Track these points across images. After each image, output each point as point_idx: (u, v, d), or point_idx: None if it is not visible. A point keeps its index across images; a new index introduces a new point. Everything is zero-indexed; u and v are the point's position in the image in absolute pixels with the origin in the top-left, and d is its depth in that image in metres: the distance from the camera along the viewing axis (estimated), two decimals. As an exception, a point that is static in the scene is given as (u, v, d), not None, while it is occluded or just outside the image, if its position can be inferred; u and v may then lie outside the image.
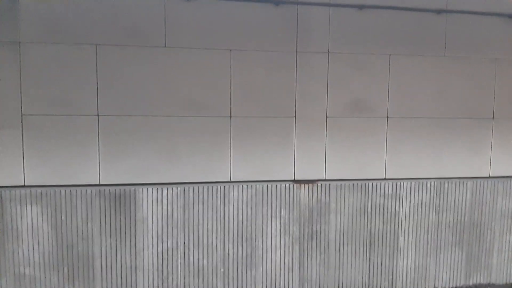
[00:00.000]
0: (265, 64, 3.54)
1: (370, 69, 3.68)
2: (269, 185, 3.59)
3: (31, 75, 3.28)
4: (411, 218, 3.84)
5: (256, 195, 3.56)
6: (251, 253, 3.57)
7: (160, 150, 3.46)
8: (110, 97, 3.37)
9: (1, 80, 3.25)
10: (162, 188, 3.46)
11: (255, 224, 3.57)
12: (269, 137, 3.59)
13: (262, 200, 3.57)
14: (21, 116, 3.30)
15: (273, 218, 3.59)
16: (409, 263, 3.86)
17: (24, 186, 3.31)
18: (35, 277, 3.34)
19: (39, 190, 3.31)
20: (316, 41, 3.60)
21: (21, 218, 3.29)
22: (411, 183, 3.82)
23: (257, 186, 3.57)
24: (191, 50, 3.43)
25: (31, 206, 3.30)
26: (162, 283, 3.47)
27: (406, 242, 3.85)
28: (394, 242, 3.82)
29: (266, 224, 3.58)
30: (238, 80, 3.52)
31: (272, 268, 3.61)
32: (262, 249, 3.58)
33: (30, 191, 3.30)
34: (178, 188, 3.48)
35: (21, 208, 3.29)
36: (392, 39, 3.70)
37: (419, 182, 3.83)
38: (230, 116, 3.54)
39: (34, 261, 3.33)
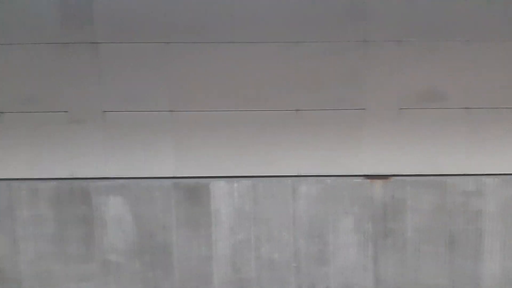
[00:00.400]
0: (332, 55, 3.47)
1: (446, 57, 3.46)
2: (340, 180, 3.55)
3: (109, 74, 3.52)
4: (497, 217, 3.60)
5: (326, 190, 3.55)
6: (323, 249, 3.58)
7: (229, 143, 3.57)
8: (181, 93, 3.53)
9: (83, 80, 3.53)
10: (232, 181, 3.58)
11: (326, 220, 3.56)
12: (338, 131, 3.55)
13: (333, 195, 3.55)
14: (102, 112, 3.57)
15: (344, 214, 3.56)
16: (495, 266, 3.64)
17: (107, 178, 3.60)
18: (119, 263, 3.66)
19: (121, 181, 3.59)
20: (386, 29, 3.45)
21: (106, 207, 3.60)
22: (495, 179, 3.57)
23: (327, 180, 3.56)
24: (256, 44, 3.47)
25: (115, 196, 3.59)
26: (235, 274, 3.62)
27: (492, 243, 3.62)
28: (478, 243, 3.62)
29: (338, 220, 3.56)
30: (304, 73, 3.49)
31: (345, 265, 3.60)
32: (334, 245, 3.58)
33: (114, 182, 3.59)
34: (248, 182, 3.58)
35: (105, 198, 3.60)
36: (469, 24, 3.44)
37: (505, 178, 3.57)
38: (297, 110, 3.54)
39: (118, 248, 3.64)
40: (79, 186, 3.59)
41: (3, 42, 3.49)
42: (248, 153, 3.57)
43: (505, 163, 3.57)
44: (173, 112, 3.57)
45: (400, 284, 3.64)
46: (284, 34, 3.46)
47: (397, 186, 3.55)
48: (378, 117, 3.53)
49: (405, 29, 3.45)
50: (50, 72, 3.53)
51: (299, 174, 3.57)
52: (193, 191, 3.59)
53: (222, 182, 3.58)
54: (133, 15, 3.47)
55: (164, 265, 3.65)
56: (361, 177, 3.55)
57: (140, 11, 3.46)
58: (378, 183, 3.54)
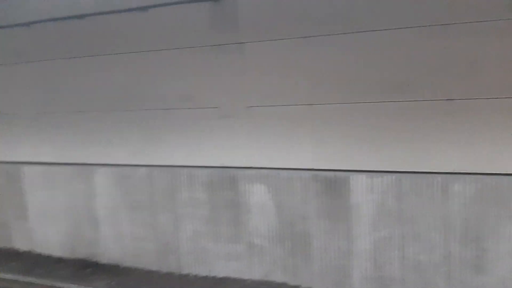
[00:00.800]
0: (488, 35, 3.05)
1: None
2: (503, 179, 3.15)
3: (253, 71, 3.80)
4: None
5: (485, 190, 3.19)
6: (479, 255, 3.23)
7: (371, 136, 3.49)
8: (319, 86, 3.59)
9: (229, 78, 3.90)
10: (374, 176, 3.50)
11: (485, 224, 3.19)
12: (499, 122, 3.13)
13: (494, 196, 3.16)
14: (247, 107, 3.90)
15: (509, 219, 3.15)
16: None
17: (252, 167, 3.93)
18: (263, 247, 3.97)
19: (264, 171, 3.87)
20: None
21: (251, 194, 3.94)
22: None
23: (487, 179, 3.19)
24: (400, 29, 3.29)
25: (259, 185, 3.90)
26: (377, 272, 3.55)
27: None
28: None
29: (500, 224, 3.15)
30: (457, 57, 3.16)
31: (508, 276, 3.19)
32: (495, 253, 3.19)
33: (257, 172, 3.89)
34: (392, 177, 3.45)
35: (250, 186, 3.94)
36: None
37: None
38: (449, 99, 3.24)
39: (262, 233, 3.95)
40: (228, 174, 4.01)
41: (163, 48, 4.11)
42: (392, 146, 3.45)
43: None
44: (311, 106, 3.68)
45: None
46: (429, 16, 3.19)
47: None
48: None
49: None
50: (202, 72, 4.02)
51: (451, 171, 3.29)
52: (332, 184, 3.65)
53: (362, 176, 3.54)
54: (273, 14, 3.66)
55: (303, 254, 3.81)
56: (532, 177, 3.09)
57: (279, 9, 3.63)
58: (555, 184, 3.03)
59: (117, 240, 4.63)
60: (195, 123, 4.14)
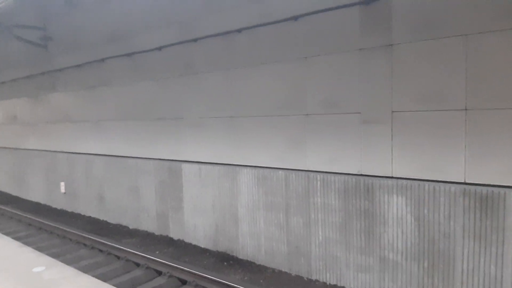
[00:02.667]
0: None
1: None
2: None
3: (401, 74, 3.84)
4: None
5: None
6: None
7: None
8: (479, 90, 3.42)
9: (374, 82, 4.01)
10: (542, 196, 3.17)
11: None
12: None
13: None
14: (391, 112, 3.97)
15: None
16: None
17: (391, 177, 3.96)
18: (397, 262, 3.92)
19: (404, 182, 3.85)
20: None
21: (388, 206, 3.95)
22: None
23: None
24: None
25: (397, 196, 3.90)
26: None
27: None
28: None
29: None
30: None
31: None
32: None
33: (397, 182, 3.89)
34: None
35: (388, 196, 3.97)
36: None
37: None
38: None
39: (397, 247, 3.91)
40: (364, 182, 4.12)
41: (308, 55, 4.51)
42: None
43: None
44: (468, 111, 3.52)
45: None
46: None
47: None
48: None
49: None
50: (346, 76, 4.23)
51: None
52: (485, 201, 3.40)
53: (525, 195, 3.23)
54: (430, 10, 3.62)
55: (444, 275, 3.61)
56: None
57: (437, 4, 3.58)
58: None
59: (253, 238, 5.18)
60: (333, 128, 4.37)
